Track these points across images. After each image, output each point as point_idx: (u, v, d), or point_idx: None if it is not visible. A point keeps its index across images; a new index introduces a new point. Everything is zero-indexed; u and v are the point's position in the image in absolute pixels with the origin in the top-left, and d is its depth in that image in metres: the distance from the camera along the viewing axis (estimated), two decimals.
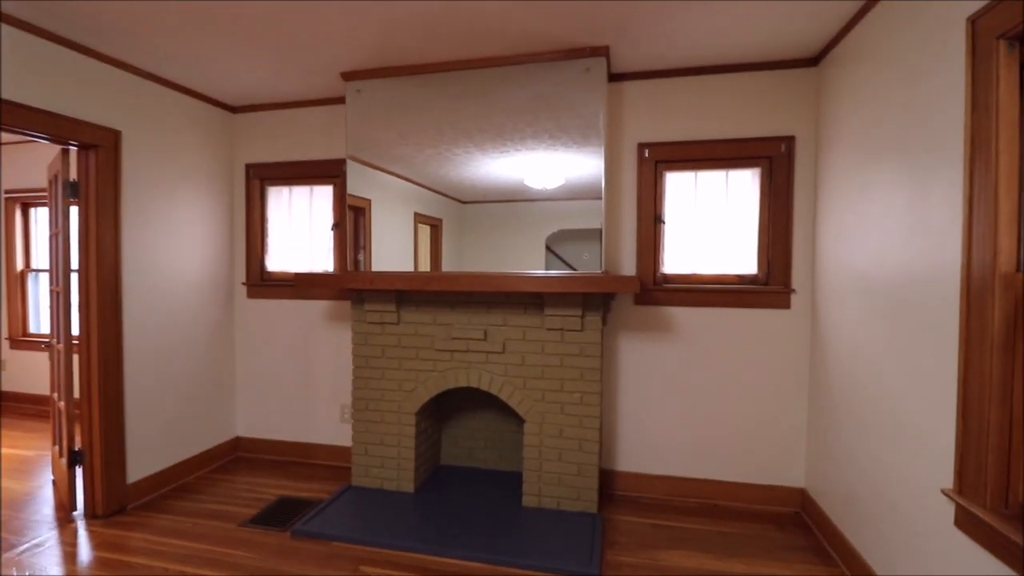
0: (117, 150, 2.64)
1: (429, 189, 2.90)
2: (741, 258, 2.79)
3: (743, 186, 2.79)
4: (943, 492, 1.52)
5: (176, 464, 3.05)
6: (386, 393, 2.86)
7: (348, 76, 2.84)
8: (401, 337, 2.84)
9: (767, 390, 2.75)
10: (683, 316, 2.83)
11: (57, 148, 2.65)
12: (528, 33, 2.38)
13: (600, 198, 2.61)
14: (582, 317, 2.57)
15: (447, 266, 2.91)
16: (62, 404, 2.72)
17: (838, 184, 2.35)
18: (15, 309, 4.54)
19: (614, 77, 2.83)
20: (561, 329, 2.61)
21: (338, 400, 3.34)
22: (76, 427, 2.66)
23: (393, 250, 2.93)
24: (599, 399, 2.59)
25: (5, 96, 2.18)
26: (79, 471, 2.67)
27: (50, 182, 2.87)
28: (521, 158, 2.72)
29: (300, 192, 3.43)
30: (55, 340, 2.85)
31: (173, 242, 3.02)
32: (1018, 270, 1.36)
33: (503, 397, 2.70)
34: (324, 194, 3.37)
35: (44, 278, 4.59)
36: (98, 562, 2.25)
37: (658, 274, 2.85)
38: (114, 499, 2.67)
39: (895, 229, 1.86)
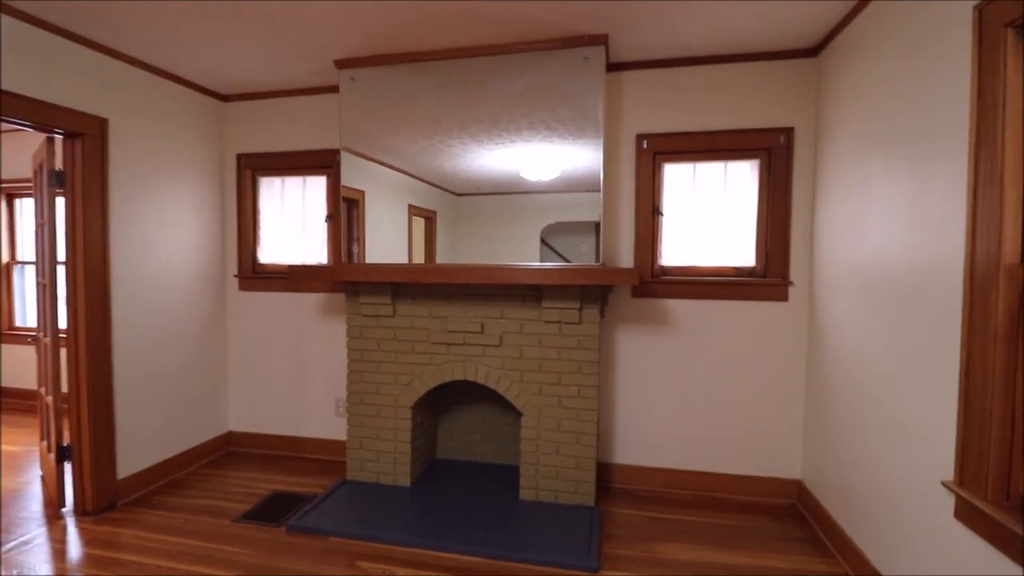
0: (104, 139, 2.57)
1: (423, 181, 2.85)
2: (739, 250, 2.78)
3: (742, 178, 2.77)
4: (943, 484, 1.52)
5: (167, 459, 3.00)
6: (381, 387, 2.83)
7: (342, 64, 2.78)
8: (396, 330, 2.80)
9: (764, 382, 2.75)
10: (680, 308, 2.82)
11: (42, 137, 2.57)
12: (525, 20, 2.33)
13: (596, 190, 2.58)
14: (580, 310, 2.55)
15: (441, 259, 2.88)
16: (50, 399, 2.67)
17: (838, 176, 2.34)
18: (1, 302, 4.45)
19: (612, 67, 2.79)
20: (559, 322, 2.59)
21: (332, 394, 3.30)
22: (64, 422, 2.61)
23: (387, 243, 2.89)
24: (597, 392, 2.58)
25: None
26: (68, 467, 2.62)
27: (35, 172, 2.80)
28: (517, 149, 2.69)
29: (293, 183, 3.37)
30: (42, 334, 2.78)
31: (163, 233, 2.95)
32: (1023, 261, 1.35)
33: (500, 391, 2.68)
34: (317, 185, 3.31)
35: (30, 270, 4.49)
36: (88, 559, 2.21)
37: (656, 266, 2.84)
38: (104, 495, 2.62)
39: (896, 220, 1.84)
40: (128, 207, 2.74)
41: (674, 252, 2.85)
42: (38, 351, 2.89)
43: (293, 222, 3.37)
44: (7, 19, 2.19)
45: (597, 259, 2.63)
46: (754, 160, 2.74)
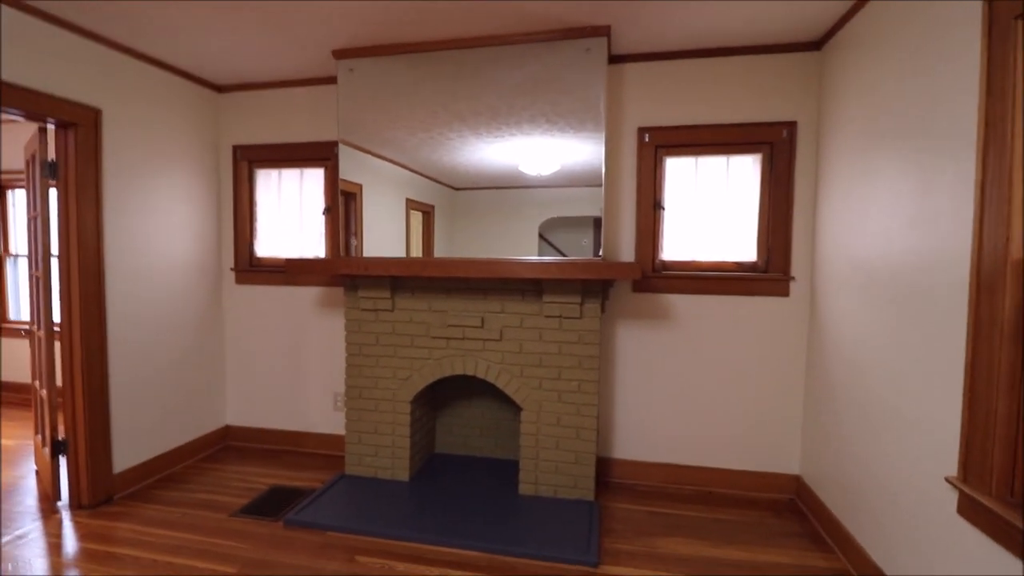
0: (97, 129, 2.53)
1: (421, 175, 2.82)
2: (740, 245, 2.77)
3: (744, 172, 2.75)
4: (947, 480, 1.52)
5: (164, 453, 2.98)
6: (380, 381, 2.81)
7: (340, 54, 2.74)
8: (395, 324, 2.78)
9: (764, 377, 2.75)
10: (681, 303, 2.81)
11: (34, 127, 2.53)
12: (527, 11, 2.30)
13: (595, 185, 2.56)
14: (581, 304, 2.53)
15: (439, 254, 2.85)
16: (44, 392, 2.64)
17: (840, 170, 2.32)
18: None
19: (614, 59, 2.76)
20: (559, 316, 2.57)
21: (330, 388, 3.28)
22: (59, 416, 2.58)
23: (385, 237, 2.86)
24: (597, 387, 2.57)
25: None
26: (63, 461, 2.60)
27: (27, 162, 2.75)
28: (516, 143, 2.66)
29: (290, 175, 3.33)
30: (35, 327, 2.75)
31: (158, 226, 2.92)
32: None
33: (500, 385, 2.66)
34: (315, 177, 3.28)
35: (24, 263, 4.44)
36: (84, 553, 2.19)
37: (657, 261, 2.82)
38: (100, 489, 2.60)
39: (901, 215, 1.83)
40: (122, 199, 2.70)
41: (675, 247, 2.83)
42: (32, 344, 2.85)
43: (290, 215, 3.34)
44: None
45: (596, 254, 2.62)
46: (756, 154, 2.72)
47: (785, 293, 2.69)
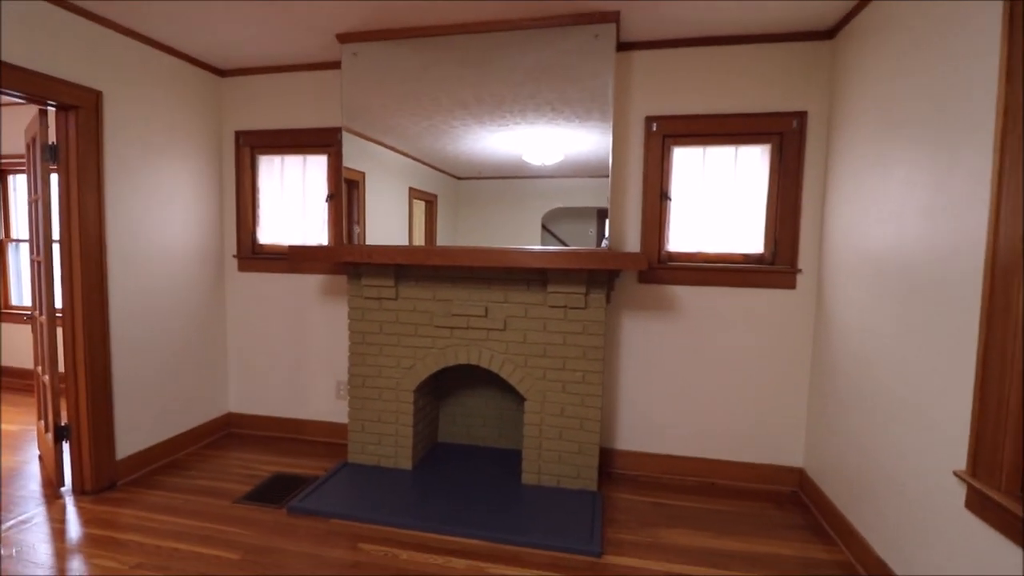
0: (99, 112, 2.50)
1: (424, 164, 2.80)
2: (747, 237, 2.74)
3: (752, 163, 2.72)
4: (955, 474, 1.51)
5: (167, 440, 2.98)
6: (384, 370, 2.80)
7: (344, 38, 2.70)
8: (399, 313, 2.77)
9: (768, 370, 2.73)
10: (686, 295, 2.79)
11: (34, 110, 2.50)
12: None
13: (599, 175, 2.53)
14: (586, 295, 2.52)
15: (442, 243, 2.84)
16: (46, 378, 2.63)
17: (852, 161, 2.29)
18: None
19: (623, 46, 2.72)
20: (564, 307, 2.55)
21: (333, 376, 3.28)
22: (62, 401, 2.58)
23: (388, 226, 2.84)
24: (601, 378, 2.56)
25: None
26: (66, 447, 2.60)
27: (28, 146, 2.72)
28: (520, 132, 2.63)
29: (293, 162, 3.30)
30: (37, 312, 2.74)
31: (160, 211, 2.89)
32: None
33: (504, 375, 2.65)
34: (318, 164, 3.25)
35: (25, 249, 4.42)
36: (88, 539, 2.20)
37: (663, 252, 2.80)
38: (103, 475, 2.60)
39: (913, 207, 1.80)
40: (124, 183, 2.67)
41: (681, 238, 2.81)
42: (34, 330, 2.84)
43: (293, 202, 3.31)
44: None
45: (599, 245, 2.59)
46: (765, 145, 2.68)
47: (792, 285, 2.67)
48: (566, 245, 2.65)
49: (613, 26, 2.43)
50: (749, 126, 2.65)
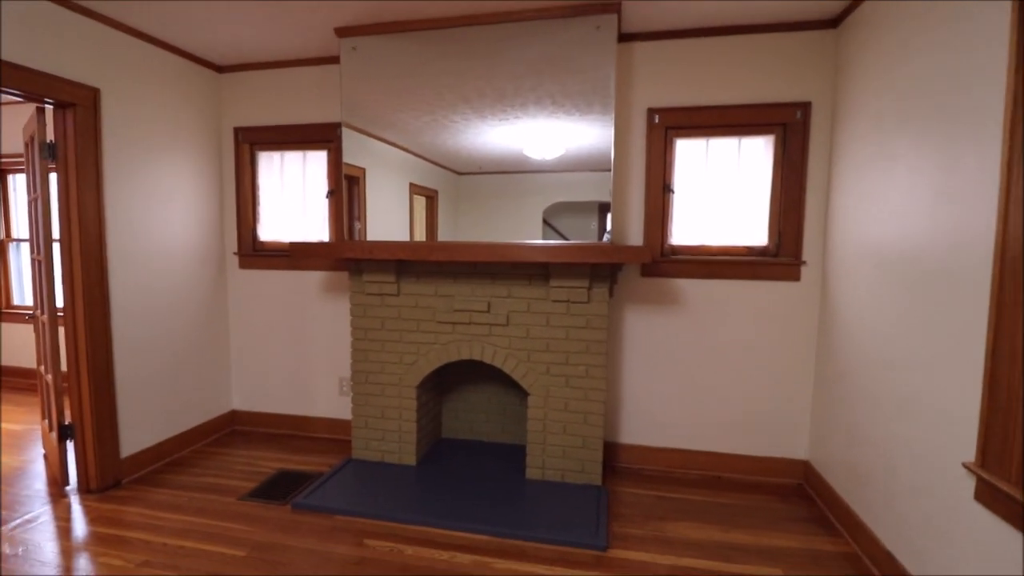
0: (96, 109, 2.48)
1: (425, 159, 2.78)
2: (751, 229, 2.72)
3: (755, 154, 2.70)
4: (964, 465, 1.50)
5: (171, 438, 2.98)
6: (386, 366, 2.80)
7: (343, 32, 2.68)
8: (401, 309, 2.76)
9: (773, 363, 2.72)
10: (690, 288, 2.77)
11: (32, 108, 2.48)
12: None
13: (601, 169, 2.51)
14: (589, 289, 2.50)
15: (443, 239, 2.81)
16: (49, 377, 2.63)
17: (856, 152, 2.27)
18: None
19: (624, 37, 2.69)
20: (567, 301, 2.54)
21: (336, 372, 3.27)
22: (65, 400, 2.58)
23: (389, 221, 2.83)
24: (605, 372, 2.55)
25: None
26: (70, 445, 2.60)
27: (26, 144, 2.71)
28: (521, 126, 2.61)
29: (292, 158, 3.28)
30: (39, 312, 2.73)
31: (160, 209, 2.88)
32: None
33: (507, 370, 2.65)
34: (318, 160, 3.23)
35: (26, 248, 4.42)
36: (94, 537, 2.20)
37: (666, 245, 2.78)
38: (108, 473, 2.61)
39: (920, 197, 1.79)
40: (123, 181, 2.66)
41: (684, 231, 2.79)
42: (36, 329, 2.84)
43: (293, 198, 3.29)
44: None
45: (600, 239, 2.58)
46: (769, 136, 2.66)
47: (796, 277, 2.65)
48: (567, 240, 2.63)
49: (614, 17, 2.40)
50: (752, 117, 2.62)
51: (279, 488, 2.62)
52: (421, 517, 2.30)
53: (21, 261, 4.46)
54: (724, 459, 2.81)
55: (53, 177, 2.47)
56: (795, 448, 2.74)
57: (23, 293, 4.47)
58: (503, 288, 2.63)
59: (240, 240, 3.32)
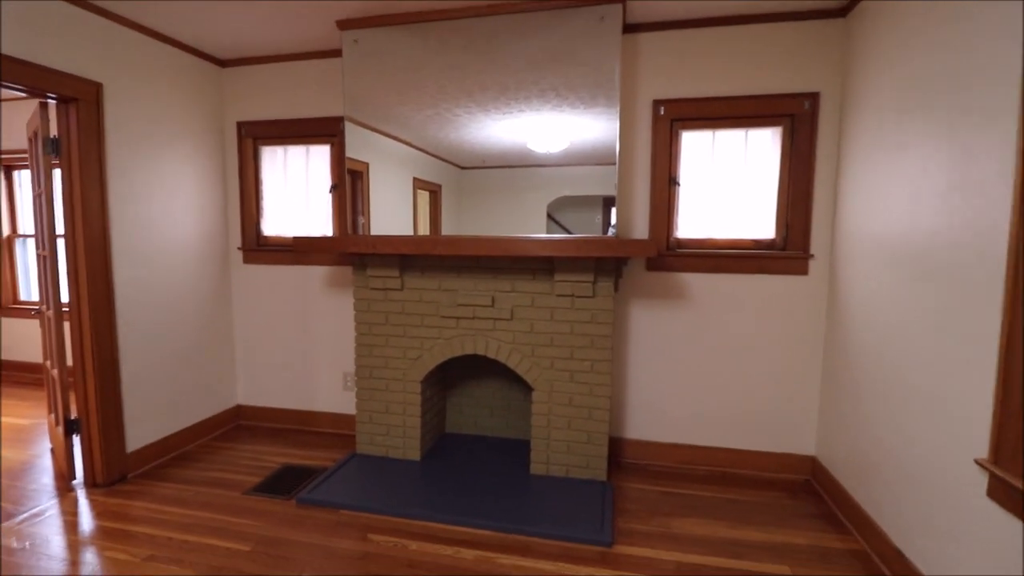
0: (99, 104, 2.47)
1: (428, 153, 2.76)
2: (758, 222, 2.69)
3: (763, 146, 2.66)
4: (976, 462, 1.47)
5: (176, 432, 2.99)
6: (390, 361, 2.79)
7: (344, 25, 2.65)
8: (405, 304, 2.74)
9: (780, 357, 2.69)
10: (696, 282, 2.74)
11: (35, 103, 2.48)
12: None
13: (605, 163, 2.49)
14: (594, 283, 2.48)
15: (447, 233, 2.80)
16: (55, 372, 2.64)
17: (866, 143, 2.23)
18: (4, 276, 4.41)
19: (629, 28, 2.65)
20: (571, 295, 2.52)
21: (340, 367, 3.27)
22: (71, 395, 2.59)
23: (392, 216, 2.81)
24: (610, 367, 2.53)
25: None
26: (76, 440, 2.61)
27: (30, 140, 2.71)
28: (525, 119, 2.58)
29: (295, 152, 3.27)
30: (45, 307, 2.74)
31: (163, 204, 2.88)
32: None
33: (511, 365, 2.63)
34: (321, 154, 3.21)
35: (32, 244, 4.44)
36: (100, 531, 2.21)
37: (671, 239, 2.75)
38: (114, 468, 2.62)
39: (932, 189, 1.75)
40: (126, 176, 2.66)
41: (690, 224, 2.76)
42: (42, 324, 2.85)
43: (297, 193, 3.28)
44: None
45: (605, 233, 2.55)
46: (776, 127, 2.62)
47: (804, 271, 2.62)
48: (570, 233, 2.61)
49: (619, 7, 2.37)
50: (759, 108, 2.58)
51: (284, 483, 2.62)
52: (425, 512, 2.29)
53: (28, 257, 4.48)
54: (731, 455, 2.79)
55: (57, 173, 2.47)
56: (802, 444, 2.71)
57: (29, 288, 4.50)
58: (507, 283, 2.61)
59: (244, 235, 3.32)
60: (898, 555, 1.87)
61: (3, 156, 4.25)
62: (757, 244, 2.70)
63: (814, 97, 2.53)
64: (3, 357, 4.52)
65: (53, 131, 2.45)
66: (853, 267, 2.33)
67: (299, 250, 2.74)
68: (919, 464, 1.78)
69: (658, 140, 2.70)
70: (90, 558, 2.03)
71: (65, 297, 2.52)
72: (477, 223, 2.76)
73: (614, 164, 2.49)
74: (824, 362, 2.63)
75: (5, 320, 4.47)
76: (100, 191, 2.50)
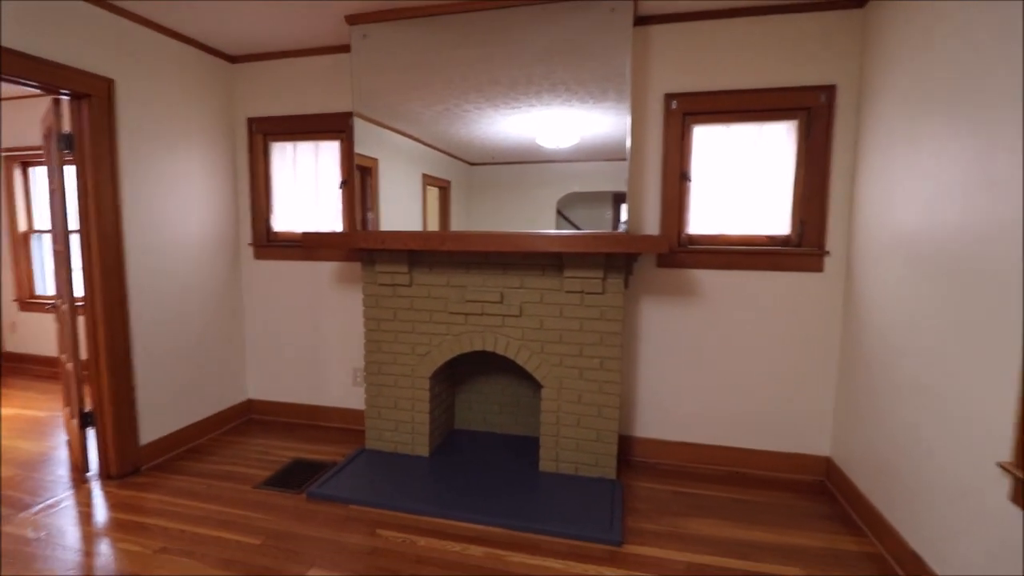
0: (111, 100, 2.49)
1: (437, 149, 2.74)
2: (772, 218, 2.64)
3: (777, 140, 2.61)
4: (999, 465, 1.43)
5: (188, 426, 3.02)
6: (399, 357, 2.79)
7: (353, 19, 2.64)
8: (414, 299, 2.74)
9: (794, 356, 2.65)
10: (708, 279, 2.71)
11: (48, 99, 2.50)
12: None
13: (615, 158, 2.45)
14: (603, 279, 2.45)
15: (456, 230, 2.78)
16: (70, 366, 2.68)
17: (884, 137, 2.17)
18: (21, 271, 4.49)
19: (640, 21, 2.61)
20: (581, 292, 2.50)
21: (350, 363, 3.28)
22: (86, 388, 2.62)
23: (401, 212, 2.80)
24: (619, 364, 2.50)
25: None
26: (91, 432, 2.65)
27: (44, 136, 2.74)
28: (534, 115, 2.55)
29: (305, 148, 3.27)
30: (60, 301, 2.78)
31: (175, 200, 2.90)
32: None
33: (520, 362, 2.62)
34: (330, 150, 3.21)
35: (48, 239, 4.50)
36: (114, 523, 2.24)
37: (683, 235, 2.71)
38: (127, 460, 2.65)
39: (953, 184, 1.70)
40: (138, 172, 2.68)
41: (702, 220, 2.72)
42: (57, 318, 2.89)
43: (306, 189, 3.29)
44: None
45: (615, 229, 2.52)
46: (791, 121, 2.57)
47: (819, 268, 2.57)
48: (581, 230, 2.58)
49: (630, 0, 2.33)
50: (774, 102, 2.53)
51: (294, 477, 2.64)
52: (434, 508, 2.29)
53: (43, 252, 4.55)
54: (743, 454, 2.75)
55: (71, 169, 2.50)
56: (817, 444, 2.67)
57: (45, 283, 4.57)
58: (516, 279, 2.59)
59: (254, 231, 3.34)
60: (915, 558, 1.83)
61: (20, 153, 4.31)
62: (771, 240, 2.65)
63: (830, 90, 2.47)
64: (23, 351, 4.60)
65: (66, 127, 2.47)
66: (870, 264, 2.28)
67: (308, 246, 2.74)
68: (938, 466, 1.74)
69: (670, 135, 2.65)
70: (104, 549, 2.06)
71: (79, 292, 2.55)
72: (486, 219, 2.74)
73: (624, 160, 2.45)
74: (840, 361, 2.58)
75: (24, 315, 4.55)
76: (113, 187, 2.52)
